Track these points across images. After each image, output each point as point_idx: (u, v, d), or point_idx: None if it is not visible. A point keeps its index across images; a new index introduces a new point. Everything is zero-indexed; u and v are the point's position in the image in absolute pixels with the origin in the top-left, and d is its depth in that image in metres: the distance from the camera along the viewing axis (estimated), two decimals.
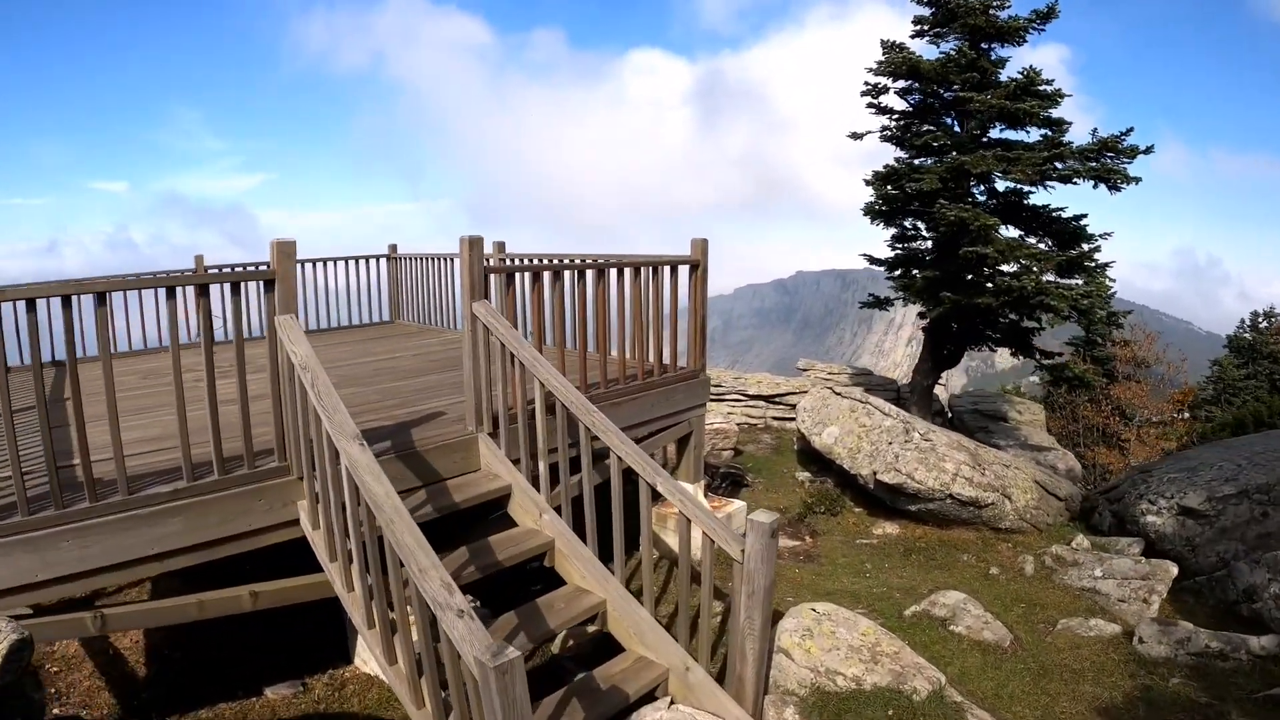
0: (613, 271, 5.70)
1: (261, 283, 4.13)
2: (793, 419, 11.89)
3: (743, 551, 3.53)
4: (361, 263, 10.38)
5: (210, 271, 8.50)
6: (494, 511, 4.87)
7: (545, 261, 5.42)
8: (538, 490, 4.61)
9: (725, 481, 9.20)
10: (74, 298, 3.66)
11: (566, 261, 5.50)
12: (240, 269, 8.89)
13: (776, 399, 12.55)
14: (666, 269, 6.21)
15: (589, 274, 5.52)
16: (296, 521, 4.17)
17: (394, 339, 9.34)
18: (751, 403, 12.62)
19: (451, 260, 9.40)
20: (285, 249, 4.04)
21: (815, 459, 9.36)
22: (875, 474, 7.69)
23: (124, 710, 4.83)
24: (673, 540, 6.62)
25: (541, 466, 4.60)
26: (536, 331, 5.50)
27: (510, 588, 5.00)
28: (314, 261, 10.03)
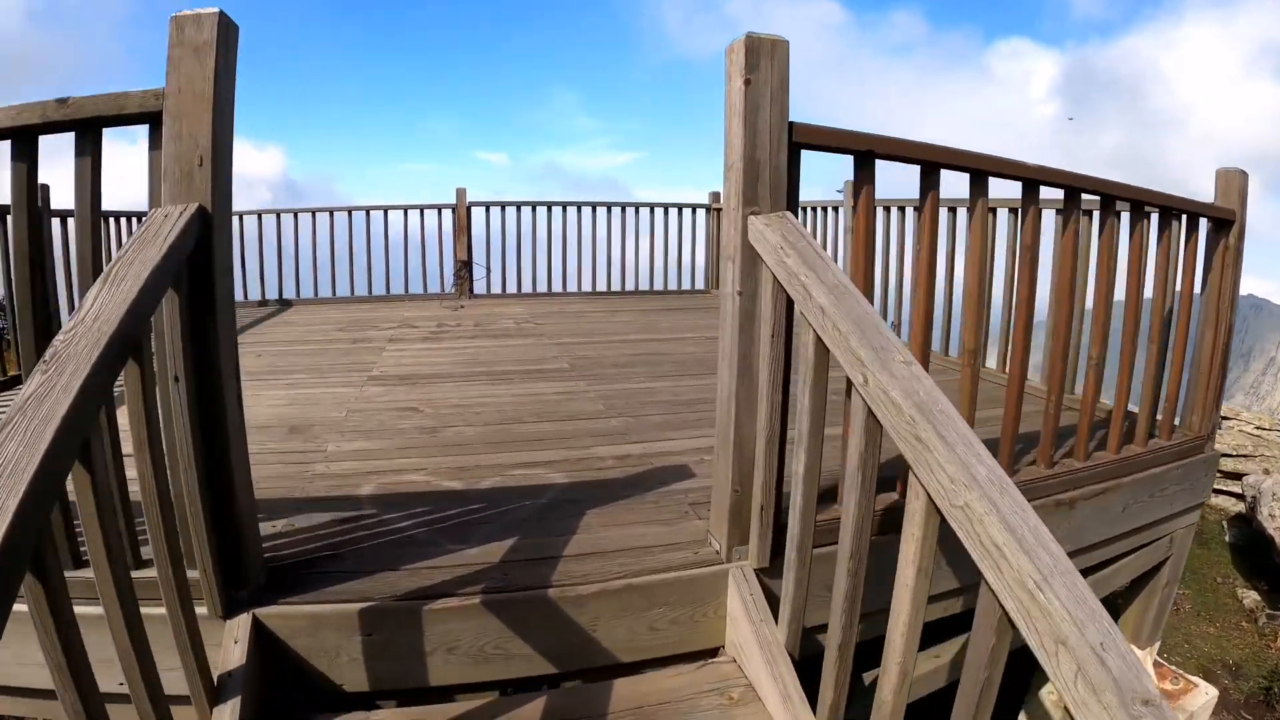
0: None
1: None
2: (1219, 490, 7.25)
3: None
4: (673, 211, 7.87)
5: None
6: None
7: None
8: None
9: None
10: None
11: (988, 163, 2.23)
12: None
13: None
14: (1179, 223, 2.79)
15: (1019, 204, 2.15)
16: None
17: (694, 313, 6.65)
18: None
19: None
20: None
21: (1266, 568, 5.49)
22: None
23: None
24: None
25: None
26: (920, 325, 2.25)
27: None
28: (624, 206, 7.76)
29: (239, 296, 7.05)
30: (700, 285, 8.14)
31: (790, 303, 1.70)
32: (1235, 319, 3.21)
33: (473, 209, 7.44)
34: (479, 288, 7.55)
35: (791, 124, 1.70)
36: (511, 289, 7.63)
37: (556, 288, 7.69)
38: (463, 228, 7.39)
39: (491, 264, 7.50)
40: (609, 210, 7.71)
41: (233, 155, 1.59)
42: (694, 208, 7.92)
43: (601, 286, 7.81)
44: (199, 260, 1.52)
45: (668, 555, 1.94)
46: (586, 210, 7.64)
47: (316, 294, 7.22)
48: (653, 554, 1.95)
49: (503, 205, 7.50)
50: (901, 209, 4.76)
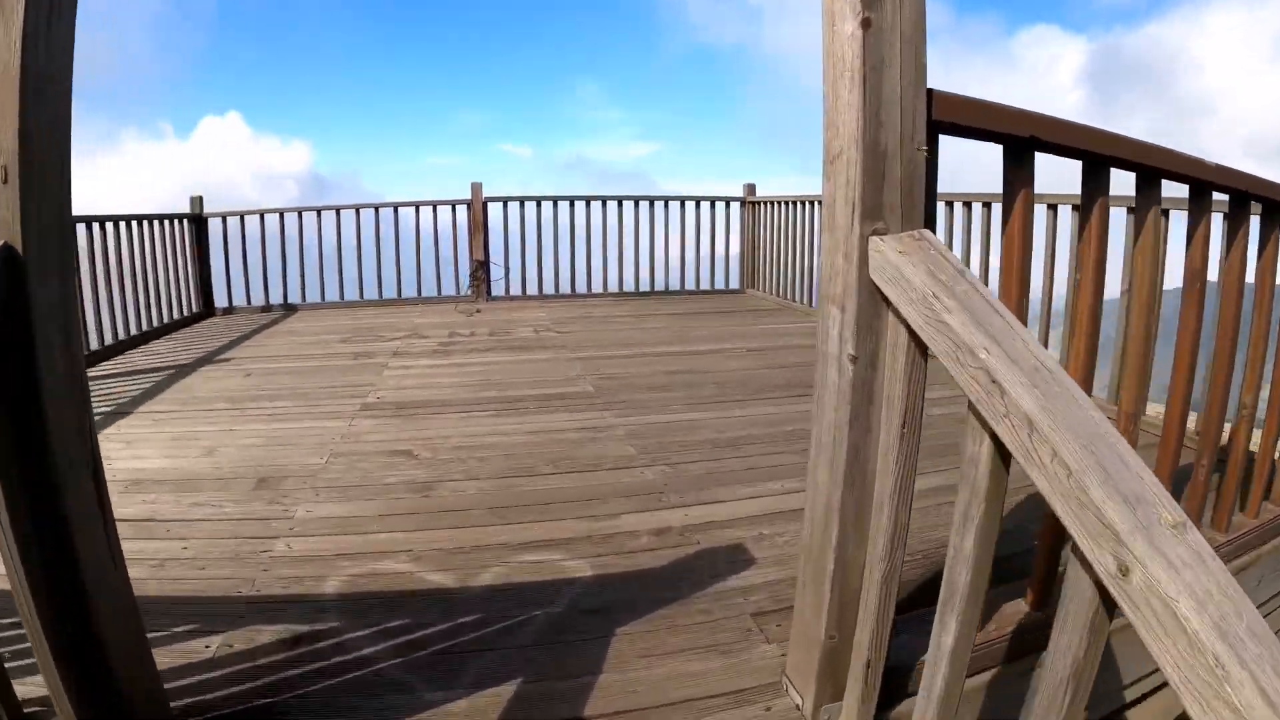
0: None
1: None
2: None
3: None
4: (704, 205, 7.26)
5: None
6: None
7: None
8: None
9: None
10: None
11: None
12: None
13: None
14: None
15: None
16: None
17: (733, 316, 6.06)
18: None
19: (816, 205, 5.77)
20: None
21: None
22: None
23: None
24: None
25: None
26: (1081, 374, 1.62)
27: None
28: (652, 200, 7.15)
29: (240, 302, 6.57)
30: (734, 285, 7.52)
31: (914, 336, 1.11)
32: None
33: (489, 205, 6.89)
34: (497, 289, 7.01)
35: (931, 92, 1.10)
36: (532, 290, 7.08)
37: (580, 289, 7.12)
38: (479, 225, 6.84)
39: (510, 264, 6.95)
40: (635, 205, 7.10)
41: (69, 162, 1.03)
42: (727, 201, 7.30)
43: (629, 286, 7.23)
44: (9, 324, 0.97)
45: (730, 714, 1.37)
46: (612, 205, 7.04)
47: (324, 298, 6.72)
48: (709, 713, 1.38)
49: (521, 200, 6.94)
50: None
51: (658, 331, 5.43)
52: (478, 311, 6.34)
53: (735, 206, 7.34)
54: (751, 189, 7.29)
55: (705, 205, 7.24)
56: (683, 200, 7.20)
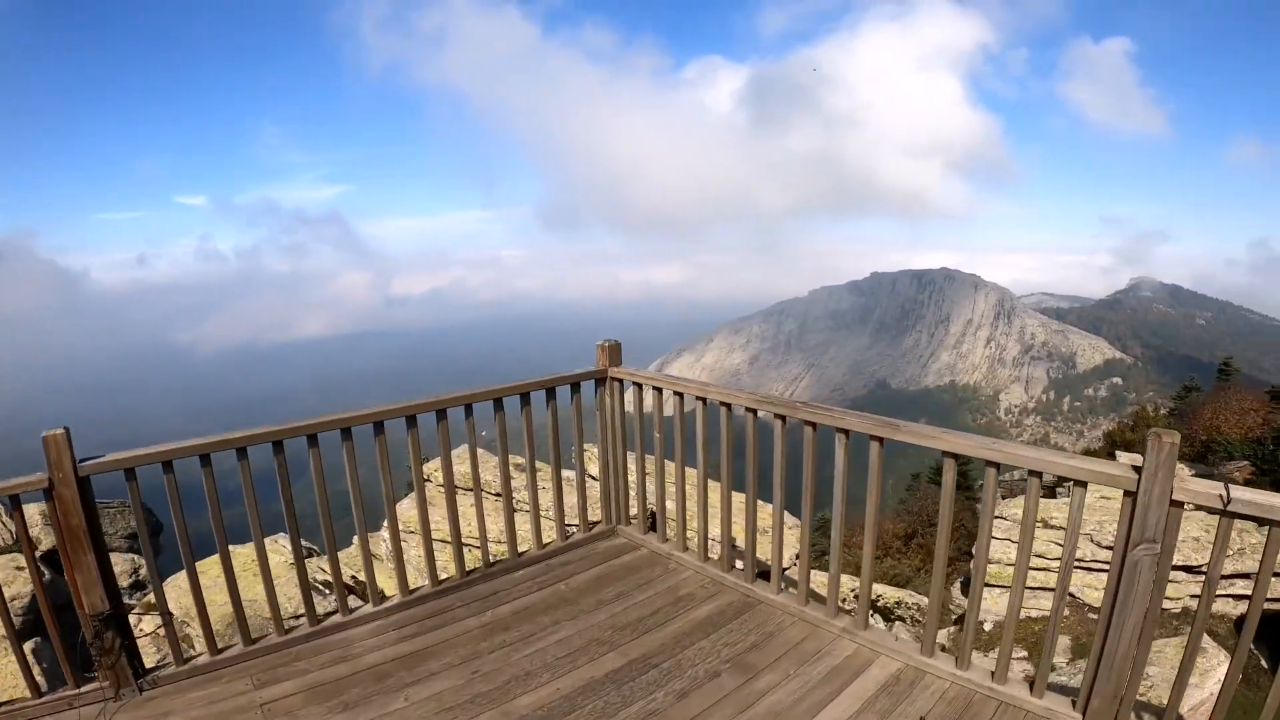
0: None
1: None
2: None
3: None
4: (536, 396, 4.11)
5: None
6: None
7: None
8: None
9: None
10: None
11: None
12: None
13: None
14: None
15: None
16: None
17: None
18: None
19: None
20: None
21: None
22: None
23: None
24: None
25: None
26: None
27: None
28: (442, 411, 3.84)
29: None
30: (594, 518, 4.46)
31: None
32: None
33: (88, 483, 3.11)
34: (156, 651, 3.31)
35: None
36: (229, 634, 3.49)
37: (326, 604, 3.65)
38: (77, 533, 3.06)
39: (174, 597, 3.27)
40: (410, 421, 3.74)
41: None
42: (572, 384, 4.19)
43: (418, 571, 3.87)
44: None
45: None
46: (363, 431, 3.61)
47: None
48: None
49: (165, 460, 3.23)
50: None
51: None
52: None
53: (587, 388, 4.26)
54: (614, 352, 4.24)
55: (537, 395, 4.07)
56: (498, 399, 3.95)
